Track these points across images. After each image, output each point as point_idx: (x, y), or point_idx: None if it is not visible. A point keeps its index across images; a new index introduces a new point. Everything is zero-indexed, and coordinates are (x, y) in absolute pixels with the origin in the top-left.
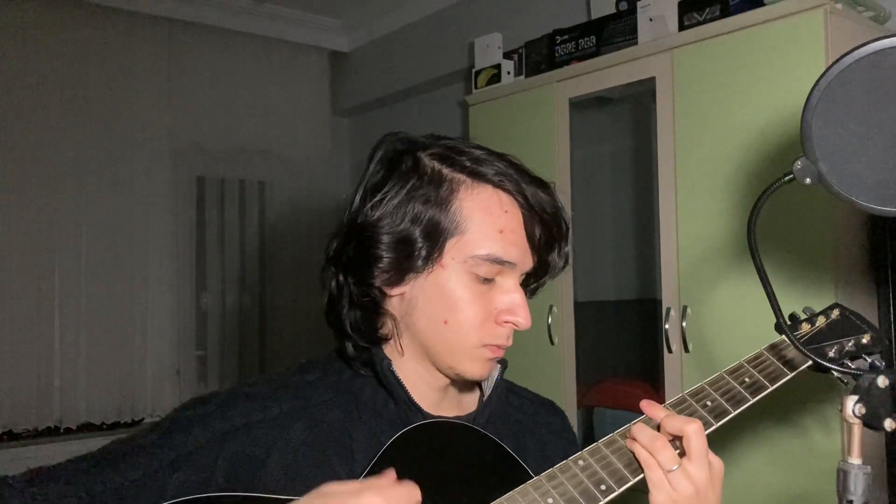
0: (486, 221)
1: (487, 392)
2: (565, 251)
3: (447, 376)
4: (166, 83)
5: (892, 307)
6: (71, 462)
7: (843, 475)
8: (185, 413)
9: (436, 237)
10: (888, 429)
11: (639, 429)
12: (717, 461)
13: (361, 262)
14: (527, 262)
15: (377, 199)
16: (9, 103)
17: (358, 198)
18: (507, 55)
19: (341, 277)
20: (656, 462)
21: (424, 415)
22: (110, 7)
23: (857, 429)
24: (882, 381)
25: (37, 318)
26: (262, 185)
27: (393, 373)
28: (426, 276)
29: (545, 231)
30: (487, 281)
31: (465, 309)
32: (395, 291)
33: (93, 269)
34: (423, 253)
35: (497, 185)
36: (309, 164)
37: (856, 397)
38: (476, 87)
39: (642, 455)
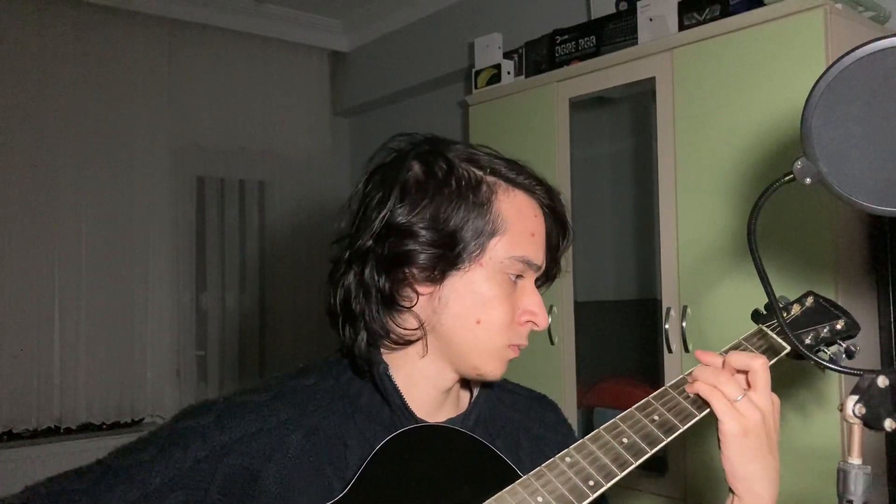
0: (521, 224)
1: (476, 391)
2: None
3: (464, 376)
4: (166, 83)
5: (892, 307)
6: (69, 479)
7: (843, 475)
8: (183, 424)
9: (479, 236)
10: (888, 429)
11: (700, 369)
12: (775, 396)
13: (399, 260)
14: (544, 265)
15: (415, 199)
16: (8, 103)
17: (393, 199)
18: (507, 55)
19: (367, 274)
20: (721, 393)
21: (417, 420)
22: (110, 7)
23: (857, 429)
24: (882, 381)
25: (37, 318)
26: (262, 185)
27: (389, 378)
28: (462, 275)
29: (562, 237)
30: (519, 278)
31: (498, 307)
32: (426, 290)
33: (93, 269)
34: (469, 249)
35: (528, 190)
36: (309, 164)
37: (856, 397)
38: (476, 87)
39: (706, 390)
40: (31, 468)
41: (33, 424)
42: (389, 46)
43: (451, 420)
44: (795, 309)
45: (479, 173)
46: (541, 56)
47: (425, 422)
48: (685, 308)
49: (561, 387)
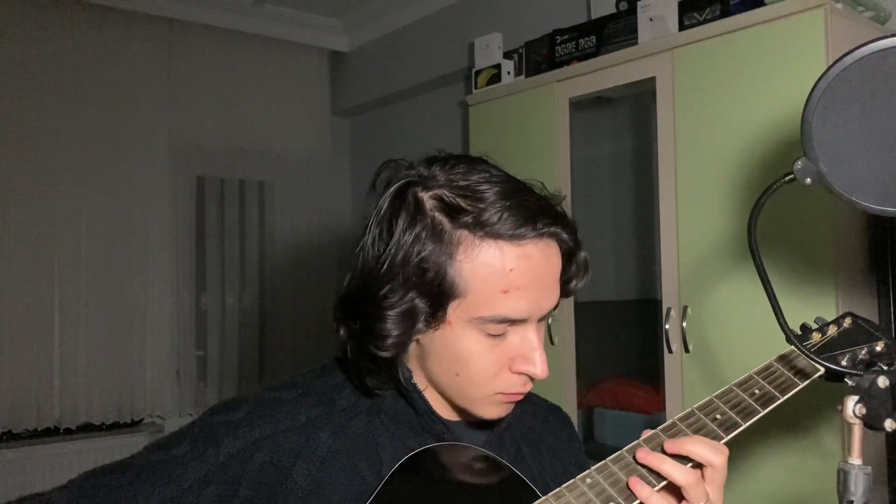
0: (487, 283)
1: None
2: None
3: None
4: (166, 83)
5: (892, 307)
6: (107, 474)
7: (843, 475)
8: (215, 419)
9: (437, 300)
10: (888, 429)
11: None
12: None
13: (369, 335)
14: (544, 306)
15: (384, 248)
16: (8, 103)
17: (369, 237)
18: (507, 55)
19: (354, 334)
20: None
21: (444, 423)
22: (110, 7)
23: (858, 429)
24: (882, 382)
25: (37, 318)
26: (262, 185)
27: (414, 385)
28: (433, 333)
29: (571, 265)
30: (512, 325)
31: (477, 364)
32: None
33: (93, 269)
34: (426, 316)
35: (499, 238)
36: (309, 164)
37: (856, 397)
38: (476, 87)
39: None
40: (31, 468)
41: (33, 425)
42: (389, 46)
43: (476, 426)
44: (832, 330)
45: (445, 223)
46: (541, 56)
47: (451, 422)
48: (685, 308)
49: (561, 387)
